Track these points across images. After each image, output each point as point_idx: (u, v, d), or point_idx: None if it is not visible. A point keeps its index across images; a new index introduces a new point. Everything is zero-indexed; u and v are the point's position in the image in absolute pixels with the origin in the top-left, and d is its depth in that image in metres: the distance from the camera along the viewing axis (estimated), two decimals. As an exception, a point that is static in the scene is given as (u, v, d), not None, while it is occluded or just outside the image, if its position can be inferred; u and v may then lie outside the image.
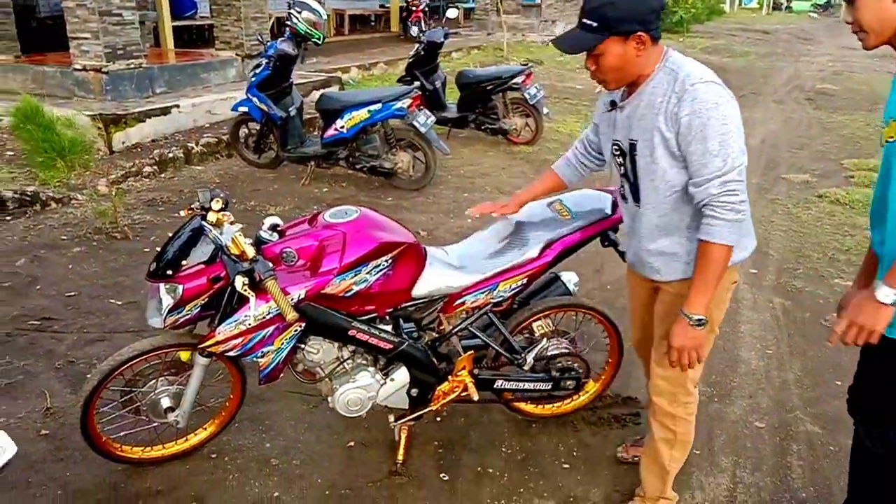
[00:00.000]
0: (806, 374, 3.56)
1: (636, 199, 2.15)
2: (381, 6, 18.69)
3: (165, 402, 2.54)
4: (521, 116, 7.86)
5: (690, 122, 1.88)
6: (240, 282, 2.16)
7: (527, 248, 2.55)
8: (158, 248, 2.40)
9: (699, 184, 1.93)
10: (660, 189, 2.04)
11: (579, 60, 13.52)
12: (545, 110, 7.79)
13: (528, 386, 2.82)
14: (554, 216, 2.66)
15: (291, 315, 2.17)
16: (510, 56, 14.55)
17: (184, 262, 2.31)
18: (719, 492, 2.71)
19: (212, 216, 2.37)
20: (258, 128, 6.41)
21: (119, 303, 3.94)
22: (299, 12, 5.93)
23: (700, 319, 1.99)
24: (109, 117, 6.41)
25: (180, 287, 2.28)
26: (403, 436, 2.76)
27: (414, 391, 2.66)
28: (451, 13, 8.67)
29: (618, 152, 2.16)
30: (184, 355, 2.52)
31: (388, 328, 2.55)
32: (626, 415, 3.13)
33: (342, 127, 5.88)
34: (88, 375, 2.46)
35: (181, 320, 2.33)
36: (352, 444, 2.90)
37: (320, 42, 6.11)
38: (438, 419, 2.94)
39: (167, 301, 2.31)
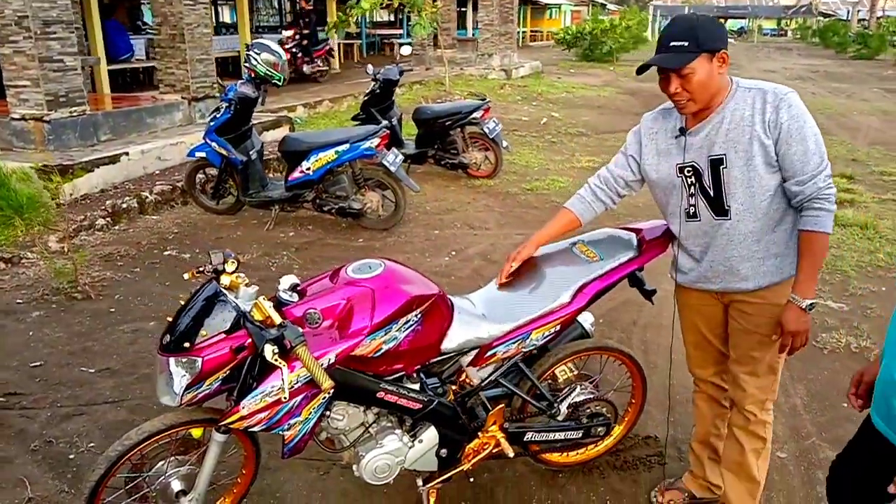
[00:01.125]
0: (812, 399, 3.56)
1: (718, 213, 2.24)
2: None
3: (177, 486, 2.29)
4: (481, 150, 7.85)
5: (790, 127, 2.08)
6: (269, 351, 1.97)
7: (558, 294, 2.45)
8: (169, 318, 2.18)
9: (804, 181, 2.11)
10: (756, 195, 2.17)
11: (523, 94, 13.68)
12: (504, 143, 7.80)
13: (558, 436, 2.69)
14: (581, 258, 2.57)
15: (328, 383, 1.99)
16: (452, 90, 14.64)
17: (203, 332, 2.10)
18: (761, 531, 2.63)
19: (225, 279, 2.19)
20: (216, 173, 6.18)
21: (91, 370, 3.63)
22: (258, 54, 5.76)
23: (811, 304, 2.16)
24: (55, 168, 6.05)
25: (199, 360, 2.06)
26: (432, 500, 2.58)
27: (443, 451, 2.50)
28: (405, 50, 8.63)
29: (690, 173, 2.25)
30: (196, 432, 2.29)
31: (416, 386, 2.40)
32: (650, 456, 3.04)
33: (308, 169, 5.71)
34: (92, 465, 2.21)
35: (199, 396, 2.11)
36: (374, 511, 2.70)
37: (281, 83, 5.95)
38: (471, 479, 2.77)
39: (182, 376, 2.09)
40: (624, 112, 13.39)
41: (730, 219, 2.22)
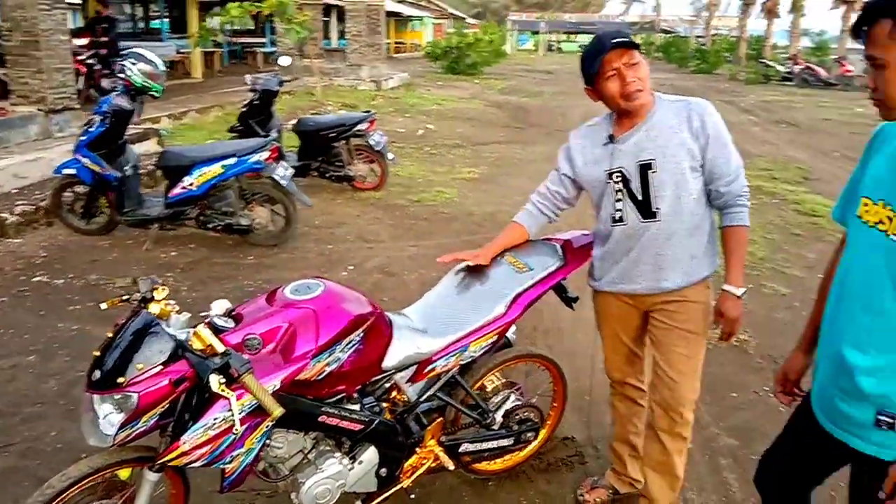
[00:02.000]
0: (705, 391, 3.80)
1: (646, 215, 2.35)
2: (178, 52, 17.76)
3: (103, 534, 2.12)
4: (366, 162, 7.82)
5: (715, 132, 2.29)
6: (215, 381, 1.86)
7: (494, 305, 2.49)
8: (95, 353, 2.00)
9: (730, 181, 2.32)
10: (682, 198, 2.32)
11: (396, 106, 13.76)
12: (390, 156, 7.81)
13: (491, 444, 2.74)
14: (511, 269, 2.63)
15: (278, 410, 1.91)
16: (324, 101, 14.49)
17: (138, 366, 1.95)
18: (680, 519, 2.80)
19: (155, 307, 2.05)
20: (86, 191, 5.74)
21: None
22: (134, 64, 5.43)
23: (744, 292, 2.34)
24: None
25: (135, 396, 1.91)
26: (371, 520, 2.55)
27: (383, 471, 2.47)
28: (284, 61, 8.44)
29: (618, 178, 2.37)
30: (123, 474, 2.12)
31: (356, 407, 2.36)
32: (570, 456, 3.15)
33: (191, 184, 5.45)
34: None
35: (134, 434, 1.96)
36: (309, 538, 2.61)
37: (159, 94, 5.63)
38: (412, 496, 2.75)
39: (113, 414, 1.94)
40: (494, 124, 13.80)
41: (658, 220, 2.35)
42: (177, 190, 5.48)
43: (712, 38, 40.74)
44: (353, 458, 2.41)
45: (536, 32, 57.25)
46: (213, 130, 10.31)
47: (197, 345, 1.92)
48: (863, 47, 1.58)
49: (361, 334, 2.23)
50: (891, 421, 1.63)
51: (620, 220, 2.42)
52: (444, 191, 7.96)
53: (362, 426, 2.33)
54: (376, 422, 2.36)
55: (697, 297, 2.43)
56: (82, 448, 2.86)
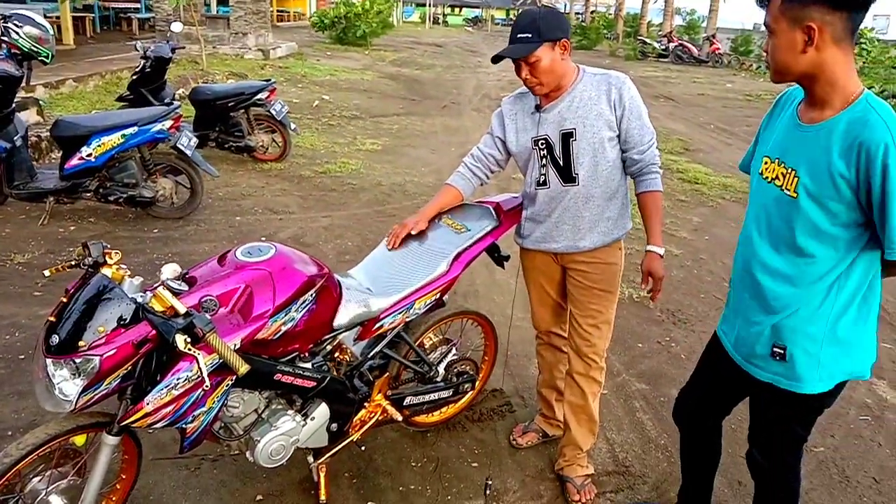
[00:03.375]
0: (614, 343, 4.13)
1: (566, 179, 2.54)
2: (46, 15, 16.45)
3: (58, 502, 2.09)
4: (267, 133, 7.67)
5: (630, 105, 2.47)
6: (181, 341, 1.88)
7: (436, 264, 2.62)
8: (51, 318, 1.97)
9: (644, 150, 2.51)
10: (600, 164, 2.51)
11: (286, 76, 13.42)
12: (292, 126, 7.70)
13: (433, 397, 2.88)
14: (449, 230, 2.76)
15: (244, 367, 1.95)
16: (210, 70, 13.95)
17: (99, 328, 1.93)
18: (603, 455, 3.07)
19: (107, 271, 2.04)
20: (-31, 163, 5.34)
21: None
22: (19, 27, 5.08)
23: (663, 252, 2.54)
24: None
25: (96, 359, 1.90)
26: (322, 474, 2.63)
27: (334, 426, 2.56)
28: (176, 27, 8.06)
29: (543, 145, 2.55)
30: (79, 440, 2.10)
31: (308, 365, 2.43)
32: (500, 406, 3.37)
33: (90, 155, 5.18)
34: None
35: (97, 397, 1.95)
36: (259, 497, 2.67)
37: (48, 60, 5.31)
38: (363, 447, 2.84)
39: (69, 379, 1.92)
40: (390, 96, 13.79)
41: (577, 185, 2.55)
42: (73, 161, 5.20)
43: (591, 15, 42.15)
44: (305, 415, 2.48)
45: (420, 5, 57.05)
46: (96, 101, 9.74)
47: (157, 307, 1.93)
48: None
49: (314, 294, 2.30)
50: (781, 352, 1.90)
51: (544, 183, 2.61)
52: (348, 162, 7.95)
53: (315, 383, 2.40)
54: (328, 379, 2.44)
55: (610, 258, 2.66)
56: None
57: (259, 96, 7.27)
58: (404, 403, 2.80)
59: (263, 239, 5.40)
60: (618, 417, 3.36)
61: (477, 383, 3.18)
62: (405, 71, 18.21)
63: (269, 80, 7.72)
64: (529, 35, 2.37)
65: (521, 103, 2.66)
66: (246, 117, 7.43)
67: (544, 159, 2.58)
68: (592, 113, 2.48)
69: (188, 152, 5.42)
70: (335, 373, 2.57)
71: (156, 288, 2.07)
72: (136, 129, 5.20)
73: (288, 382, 2.32)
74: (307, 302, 2.28)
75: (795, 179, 1.79)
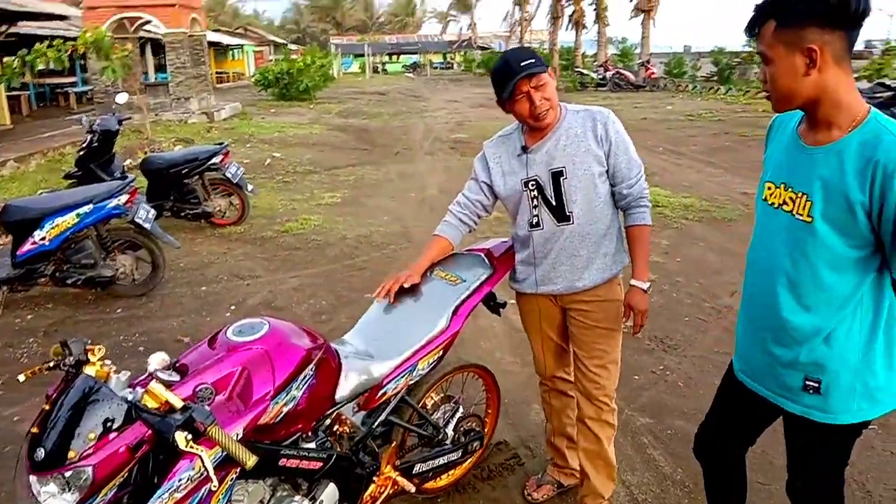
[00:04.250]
0: (609, 379, 4.06)
1: (560, 219, 2.49)
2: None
3: None
4: (224, 197, 7.52)
5: (617, 140, 2.45)
6: (182, 438, 1.72)
7: (436, 320, 2.50)
8: (34, 430, 1.78)
9: (632, 184, 2.48)
10: (593, 201, 2.47)
11: (234, 136, 13.37)
12: (250, 187, 7.55)
13: (442, 461, 2.73)
14: (444, 283, 2.65)
15: (252, 459, 1.80)
16: (155, 138, 13.75)
17: (90, 435, 1.75)
18: (622, 499, 2.95)
19: (91, 370, 1.87)
20: None
21: None
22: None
23: (649, 286, 2.52)
24: None
25: (89, 470, 1.72)
26: (335, 559, 2.45)
27: (343, 506, 2.40)
28: (121, 98, 7.92)
29: (534, 186, 2.50)
30: (71, 560, 1.90)
31: (313, 445, 2.27)
32: (508, 460, 3.22)
33: (43, 239, 4.95)
34: None
35: (92, 513, 1.76)
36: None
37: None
38: None
39: (59, 494, 1.73)
40: (341, 147, 13.74)
41: (572, 223, 2.49)
42: (26, 247, 4.95)
43: (527, 51, 43.06)
44: (314, 499, 2.31)
45: (359, 55, 57.74)
46: (41, 180, 9.46)
47: (151, 403, 1.77)
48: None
49: (314, 368, 2.16)
50: (816, 385, 1.83)
51: (538, 224, 2.54)
52: (309, 218, 7.81)
53: (321, 464, 2.24)
54: (334, 457, 2.28)
55: (611, 294, 2.59)
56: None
57: (213, 160, 7.15)
58: (413, 472, 2.65)
59: (233, 307, 5.22)
60: (629, 457, 3.25)
61: (484, 439, 3.04)
62: (353, 121, 18.25)
63: (222, 142, 7.60)
64: (533, 60, 2.35)
65: (504, 146, 2.61)
66: (201, 183, 7.28)
67: (535, 200, 2.52)
68: (581, 150, 2.44)
69: (147, 226, 5.23)
70: (339, 449, 2.42)
71: (146, 382, 1.91)
72: (90, 206, 5.00)
73: (293, 467, 2.16)
74: (307, 377, 2.13)
75: (808, 203, 1.75)
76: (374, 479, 2.50)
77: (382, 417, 2.48)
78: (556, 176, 2.46)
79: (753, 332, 2.00)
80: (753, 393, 2.03)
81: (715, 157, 11.21)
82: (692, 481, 3.03)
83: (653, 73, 26.83)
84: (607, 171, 2.48)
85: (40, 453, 1.73)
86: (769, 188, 1.91)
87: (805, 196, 1.76)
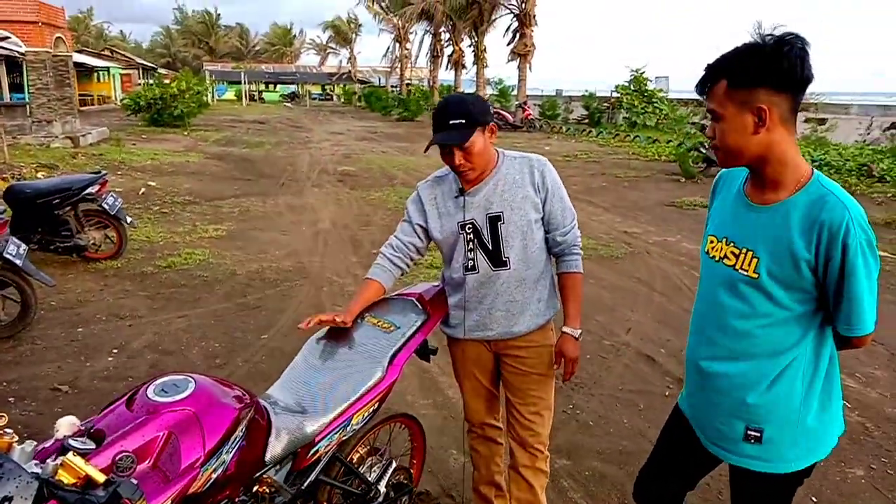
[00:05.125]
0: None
1: (496, 264, 2.47)
2: None
3: None
4: (98, 229, 6.98)
5: (552, 187, 2.46)
6: (108, 519, 1.50)
7: (372, 370, 2.36)
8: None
9: (566, 231, 2.51)
10: (528, 246, 2.46)
11: (102, 163, 12.65)
12: (129, 219, 7.05)
13: (371, 517, 2.58)
14: (377, 330, 2.53)
15: (186, 538, 1.61)
16: (13, 162, 12.67)
17: (-8, 525, 1.49)
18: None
19: (-11, 442, 1.61)
20: None
21: None
22: None
23: (580, 333, 2.53)
24: None
25: (-9, 568, 1.46)
26: None
27: (271, 576, 2.20)
28: (-18, 119, 7.16)
29: (470, 229, 2.48)
30: None
31: (241, 510, 2.07)
32: (434, 509, 3.12)
33: None
34: None
35: None
36: None
37: None
38: None
39: None
40: (222, 178, 13.23)
41: (508, 268, 2.47)
42: None
43: (406, 88, 43.75)
44: (243, 571, 2.10)
45: (234, 82, 56.30)
46: None
47: (67, 478, 1.54)
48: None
49: (244, 430, 1.97)
50: (757, 434, 1.88)
51: (473, 268, 2.50)
52: (193, 252, 7.38)
53: (251, 531, 2.05)
54: (263, 523, 2.10)
55: (544, 340, 2.59)
56: None
57: (88, 190, 6.64)
58: (342, 532, 2.49)
59: (115, 351, 4.79)
60: (551, 502, 3.22)
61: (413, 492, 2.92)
62: (233, 150, 17.66)
63: (98, 171, 7.07)
64: (463, 121, 2.32)
65: (439, 187, 2.56)
66: (74, 214, 6.72)
67: (471, 244, 2.48)
68: (518, 196, 2.44)
69: (18, 262, 4.73)
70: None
71: (52, 451, 1.68)
72: (-50, 240, 4.46)
73: (222, 537, 1.96)
74: (237, 440, 1.94)
75: (755, 260, 1.80)
76: (303, 542, 2.32)
77: (312, 477, 2.31)
78: (494, 220, 2.44)
79: (698, 379, 2.03)
80: (694, 438, 2.06)
81: (595, 197, 11.73)
82: (615, 524, 3.05)
83: (530, 114, 27.87)
84: (542, 218, 2.49)
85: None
86: (711, 241, 1.97)
87: (751, 253, 1.81)
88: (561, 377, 2.58)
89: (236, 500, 2.06)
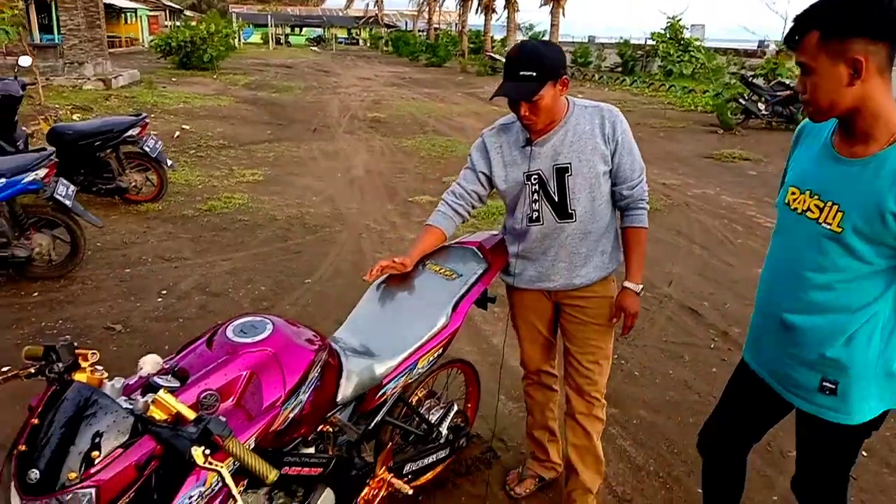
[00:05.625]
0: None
1: (562, 216, 2.44)
2: None
3: None
4: (139, 172, 7.02)
5: (623, 139, 2.40)
6: (199, 455, 1.55)
7: (436, 316, 2.38)
8: (21, 447, 1.54)
9: (634, 185, 2.45)
10: (596, 199, 2.43)
11: (135, 105, 12.56)
12: (169, 162, 7.09)
13: (431, 459, 2.64)
14: (439, 277, 2.54)
15: (273, 473, 1.64)
16: (48, 104, 12.72)
17: (94, 453, 1.54)
18: (601, 491, 2.95)
19: (82, 376, 1.66)
20: None
21: None
22: None
23: (642, 288, 2.51)
24: None
25: (91, 492, 1.52)
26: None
27: (338, 512, 2.26)
28: (25, 61, 7.19)
29: (535, 180, 2.43)
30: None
31: (312, 450, 2.13)
32: (484, 454, 3.17)
33: (-54, 217, 4.44)
34: None
35: (95, 538, 1.55)
36: None
37: None
38: None
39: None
40: (254, 121, 13.21)
41: (574, 221, 2.44)
42: (-75, 224, 4.44)
43: (434, 33, 42.97)
44: (310, 507, 2.17)
45: (260, 25, 55.67)
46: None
47: (159, 415, 1.58)
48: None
49: (319, 370, 2.01)
50: (832, 386, 1.87)
51: (537, 219, 2.48)
52: (233, 196, 7.43)
53: (321, 469, 2.11)
54: (333, 461, 2.15)
55: (605, 291, 2.58)
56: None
57: (129, 133, 6.65)
58: (404, 471, 2.54)
59: (164, 292, 4.88)
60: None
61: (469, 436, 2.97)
62: (262, 94, 17.56)
63: (140, 114, 7.08)
64: (533, 73, 2.23)
65: (505, 135, 2.52)
66: (115, 156, 6.77)
67: (536, 195, 2.45)
68: (588, 147, 2.38)
69: (68, 203, 4.79)
70: (332, 452, 2.28)
71: (137, 387, 1.73)
72: (3, 181, 4.52)
73: (294, 474, 2.01)
74: (313, 380, 1.98)
75: (839, 214, 1.76)
76: (368, 481, 2.38)
77: (379, 418, 2.36)
78: (561, 172, 2.40)
79: (771, 331, 2.01)
80: (764, 389, 2.05)
81: (630, 147, 11.54)
82: (665, 472, 3.10)
83: (562, 61, 27.28)
84: (610, 171, 2.44)
85: (34, 475, 1.50)
86: (793, 193, 1.92)
87: (836, 206, 1.77)
88: (619, 331, 2.58)
89: (309, 438, 2.11)
